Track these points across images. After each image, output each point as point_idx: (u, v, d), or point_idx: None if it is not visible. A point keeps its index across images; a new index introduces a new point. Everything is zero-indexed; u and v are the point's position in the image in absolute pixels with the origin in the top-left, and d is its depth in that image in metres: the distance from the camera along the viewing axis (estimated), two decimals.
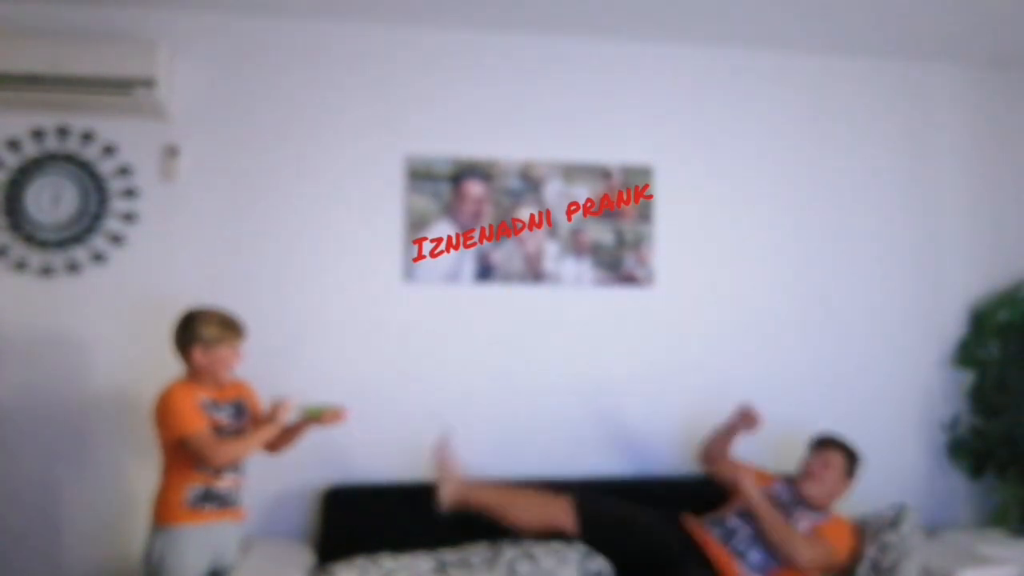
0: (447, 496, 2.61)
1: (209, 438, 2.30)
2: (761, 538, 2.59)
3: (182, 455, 2.32)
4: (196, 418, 2.31)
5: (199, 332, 2.37)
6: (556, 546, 2.71)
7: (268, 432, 2.39)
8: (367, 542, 2.77)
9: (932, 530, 3.17)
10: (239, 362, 2.46)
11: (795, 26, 3.16)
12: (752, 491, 2.60)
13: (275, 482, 2.96)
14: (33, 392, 2.88)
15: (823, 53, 3.41)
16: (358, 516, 2.84)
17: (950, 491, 3.39)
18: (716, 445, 2.90)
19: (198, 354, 2.37)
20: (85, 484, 2.90)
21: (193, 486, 2.34)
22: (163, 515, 2.34)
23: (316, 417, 2.51)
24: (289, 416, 2.44)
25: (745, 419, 2.81)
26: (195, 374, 2.40)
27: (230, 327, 2.42)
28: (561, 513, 2.67)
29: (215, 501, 2.37)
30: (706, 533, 2.68)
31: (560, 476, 3.08)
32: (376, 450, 3.03)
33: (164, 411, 2.33)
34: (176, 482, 2.34)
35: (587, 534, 2.65)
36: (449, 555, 2.72)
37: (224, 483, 2.39)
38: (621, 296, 3.23)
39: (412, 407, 3.08)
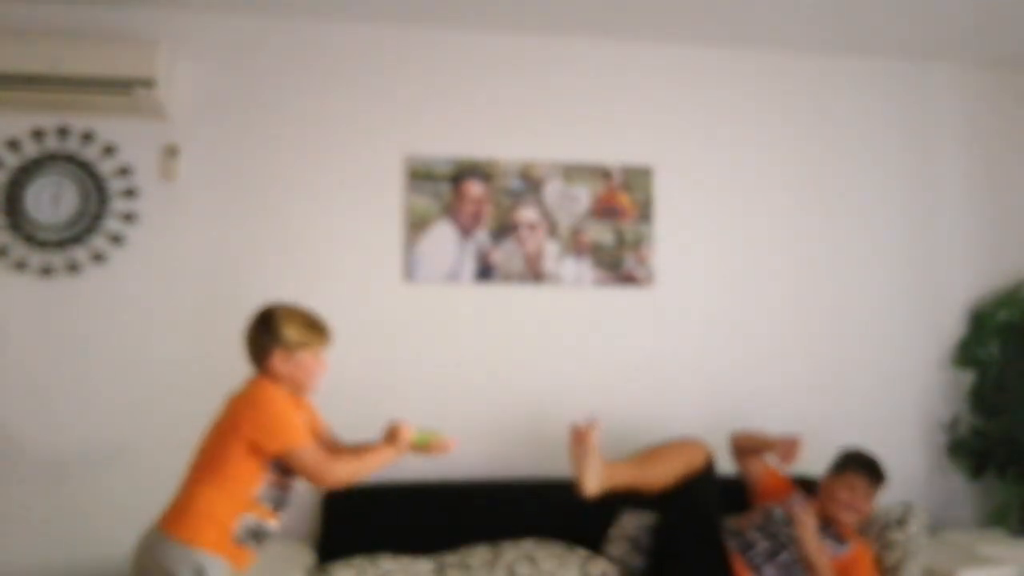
0: (592, 487, 2.37)
1: (321, 453, 2.01)
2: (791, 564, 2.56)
3: (246, 470, 1.98)
4: (302, 429, 2.02)
5: (281, 334, 2.06)
6: (557, 550, 2.72)
7: (389, 456, 2.12)
8: (367, 542, 2.77)
9: (932, 530, 3.17)
10: (324, 372, 2.17)
11: (795, 26, 3.16)
12: (811, 547, 2.52)
13: None
14: (33, 391, 2.88)
15: (823, 53, 3.41)
16: (358, 516, 2.84)
17: (950, 491, 3.39)
18: (749, 445, 2.84)
19: (278, 359, 2.05)
20: (86, 481, 2.89)
21: (247, 515, 1.98)
22: (200, 536, 1.93)
23: (423, 446, 2.19)
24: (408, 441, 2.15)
25: (785, 449, 2.66)
26: (273, 381, 2.08)
27: (316, 330, 2.13)
28: (699, 454, 2.57)
29: (257, 541, 2.02)
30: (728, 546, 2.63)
31: (560, 476, 3.07)
32: None
33: (267, 415, 1.99)
34: (229, 502, 1.97)
35: (704, 474, 2.57)
36: (449, 557, 2.72)
37: (275, 523, 2.05)
38: (621, 296, 3.22)
39: (412, 407, 3.07)
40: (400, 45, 3.16)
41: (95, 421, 2.90)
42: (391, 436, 2.15)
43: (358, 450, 2.14)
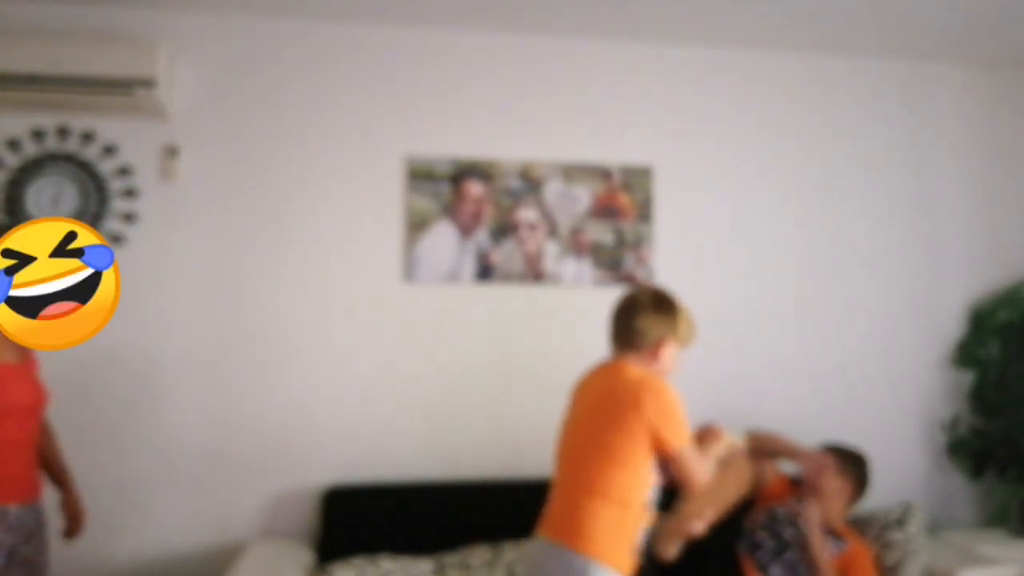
0: (673, 554, 2.29)
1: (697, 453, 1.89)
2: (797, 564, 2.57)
3: (645, 469, 1.85)
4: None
5: (679, 325, 1.98)
6: None
7: (717, 453, 2.02)
8: (367, 542, 2.77)
9: (932, 530, 3.17)
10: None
11: (795, 26, 3.16)
12: (817, 546, 2.53)
13: (275, 482, 2.96)
14: None
15: (823, 53, 3.41)
16: (358, 516, 2.84)
17: (950, 491, 3.39)
18: (771, 449, 2.80)
19: (667, 350, 1.97)
20: (86, 483, 2.89)
21: (644, 524, 1.87)
22: (612, 554, 1.80)
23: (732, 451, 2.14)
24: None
25: (816, 470, 2.64)
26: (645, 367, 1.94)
27: (695, 332, 2.05)
28: (748, 476, 2.56)
29: (641, 548, 1.92)
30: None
31: None
32: (376, 450, 3.03)
33: (671, 405, 1.86)
34: (634, 513, 1.85)
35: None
36: (449, 557, 2.72)
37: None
38: None
39: (412, 407, 3.08)
40: (400, 45, 3.16)
41: (94, 421, 2.90)
42: (712, 436, 2.04)
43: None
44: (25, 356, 2.24)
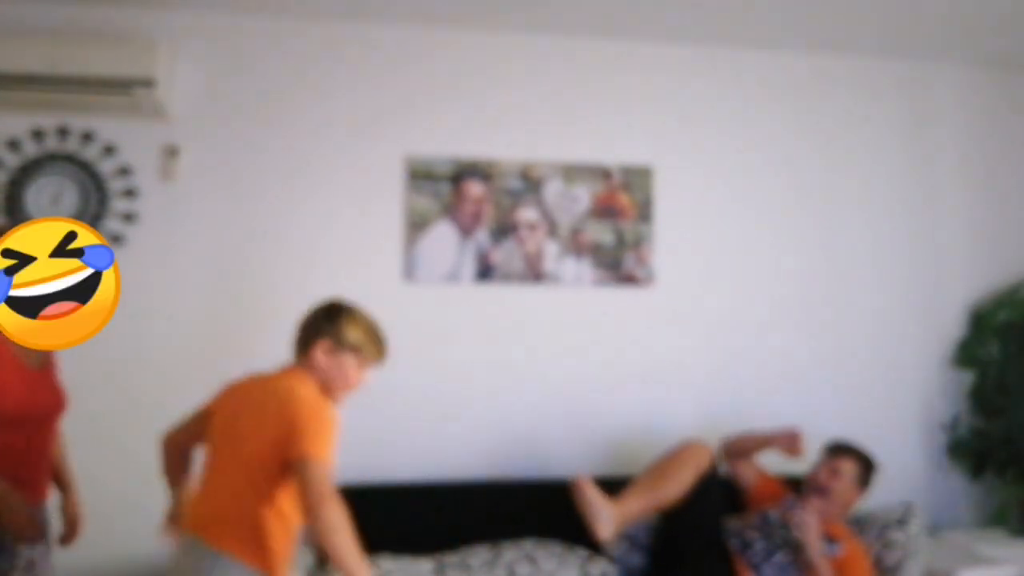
0: (605, 532, 2.49)
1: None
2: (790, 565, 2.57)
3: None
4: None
5: (345, 332, 2.03)
6: (557, 550, 2.72)
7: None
8: (367, 542, 2.75)
9: (932, 530, 3.17)
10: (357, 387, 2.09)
11: (795, 26, 3.16)
12: (815, 550, 2.52)
13: None
14: None
15: (823, 53, 3.41)
16: (358, 516, 2.82)
17: (950, 491, 3.39)
18: (746, 446, 2.84)
19: (327, 357, 2.05)
20: (83, 485, 2.89)
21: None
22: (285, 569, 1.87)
23: None
24: None
25: (789, 443, 2.69)
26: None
27: (375, 343, 2.10)
28: (704, 457, 2.63)
29: None
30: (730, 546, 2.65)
31: (561, 477, 3.08)
32: (376, 450, 3.03)
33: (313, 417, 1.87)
34: (290, 524, 1.91)
35: (710, 476, 2.62)
36: (449, 557, 2.72)
37: None
38: (621, 296, 3.22)
39: (411, 407, 3.08)
40: (400, 45, 3.17)
41: (93, 420, 2.90)
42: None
43: None
44: (46, 362, 2.24)
